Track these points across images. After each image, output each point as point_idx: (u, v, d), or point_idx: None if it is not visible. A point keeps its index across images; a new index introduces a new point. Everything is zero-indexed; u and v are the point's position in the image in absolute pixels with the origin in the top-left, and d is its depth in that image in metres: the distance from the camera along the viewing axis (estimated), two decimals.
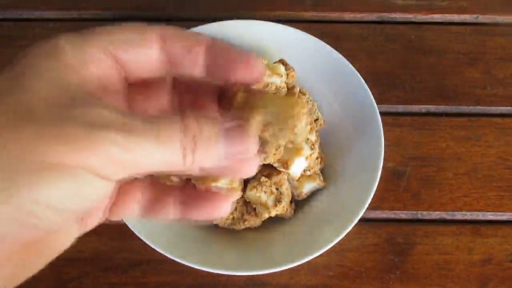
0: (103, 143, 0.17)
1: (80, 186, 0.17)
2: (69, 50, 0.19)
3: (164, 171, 0.19)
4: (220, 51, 0.22)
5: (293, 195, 0.43)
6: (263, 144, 0.22)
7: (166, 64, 0.22)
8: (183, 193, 0.23)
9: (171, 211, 0.23)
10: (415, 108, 0.50)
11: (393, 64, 0.52)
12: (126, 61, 0.21)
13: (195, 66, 0.22)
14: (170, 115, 0.19)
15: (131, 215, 0.23)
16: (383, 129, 0.43)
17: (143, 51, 0.21)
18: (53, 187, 0.17)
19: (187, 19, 0.53)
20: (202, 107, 0.24)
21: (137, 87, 0.23)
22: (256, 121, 0.21)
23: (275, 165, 0.41)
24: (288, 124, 0.21)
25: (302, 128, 0.21)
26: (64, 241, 0.21)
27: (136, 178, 0.23)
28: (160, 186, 0.24)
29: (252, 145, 0.20)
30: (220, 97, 0.24)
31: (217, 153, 0.19)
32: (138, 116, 0.19)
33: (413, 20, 0.55)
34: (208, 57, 0.22)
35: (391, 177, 0.47)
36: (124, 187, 0.22)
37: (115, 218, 0.23)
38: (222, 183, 0.40)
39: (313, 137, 0.43)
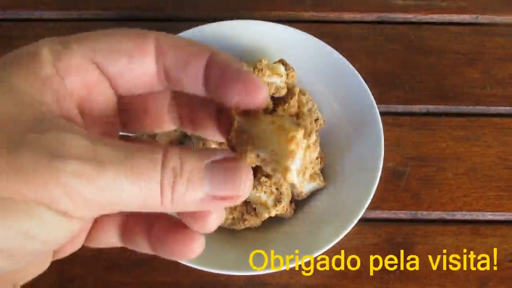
0: (63, 174, 0.15)
1: (35, 224, 0.15)
2: (49, 60, 0.17)
3: (138, 211, 0.17)
4: (219, 67, 0.18)
5: (293, 195, 0.44)
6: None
7: (163, 79, 0.19)
8: (154, 227, 0.21)
9: (142, 245, 0.21)
10: (415, 108, 0.51)
11: (393, 64, 0.52)
12: (116, 74, 0.18)
13: (194, 83, 0.19)
14: (153, 146, 0.16)
15: (110, 244, 0.22)
16: (383, 129, 0.43)
17: (135, 64, 0.18)
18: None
19: (186, 19, 0.53)
20: (199, 123, 0.22)
21: (132, 99, 0.21)
22: (248, 160, 0.18)
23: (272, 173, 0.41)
24: (282, 165, 0.19)
25: (298, 163, 0.19)
26: (33, 270, 0.19)
27: None
28: (134, 216, 0.21)
29: (243, 191, 0.17)
30: (220, 113, 0.21)
31: (200, 194, 0.17)
32: (112, 145, 0.16)
33: (413, 20, 0.55)
34: (207, 73, 0.19)
35: (391, 177, 0.47)
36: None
37: (93, 245, 0.21)
38: None
39: (313, 137, 0.43)
